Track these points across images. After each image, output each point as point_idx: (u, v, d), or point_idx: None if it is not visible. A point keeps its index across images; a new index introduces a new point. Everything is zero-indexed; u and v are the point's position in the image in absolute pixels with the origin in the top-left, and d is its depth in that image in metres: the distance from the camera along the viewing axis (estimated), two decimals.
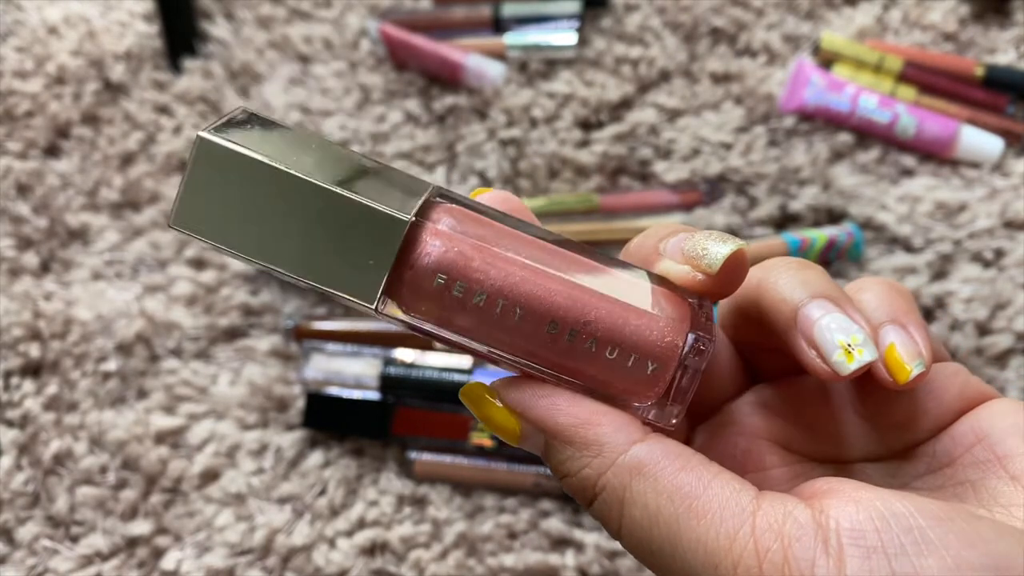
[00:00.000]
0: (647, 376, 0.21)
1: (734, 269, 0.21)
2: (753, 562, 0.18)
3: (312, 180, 0.20)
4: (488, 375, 0.49)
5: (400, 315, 0.21)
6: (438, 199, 0.22)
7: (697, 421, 0.26)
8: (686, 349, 0.21)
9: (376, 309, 0.21)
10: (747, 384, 0.26)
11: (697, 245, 0.21)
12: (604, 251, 0.23)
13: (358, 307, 0.21)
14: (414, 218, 0.20)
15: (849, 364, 0.21)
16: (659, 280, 0.22)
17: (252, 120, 0.21)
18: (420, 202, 0.21)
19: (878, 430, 0.23)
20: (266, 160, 0.20)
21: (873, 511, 0.18)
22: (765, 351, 0.25)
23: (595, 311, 0.21)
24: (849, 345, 0.21)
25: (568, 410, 0.21)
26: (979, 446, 0.22)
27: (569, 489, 0.21)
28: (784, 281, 0.22)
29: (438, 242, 0.20)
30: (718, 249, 0.21)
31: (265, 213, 0.20)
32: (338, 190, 0.20)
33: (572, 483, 0.21)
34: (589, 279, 0.21)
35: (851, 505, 0.18)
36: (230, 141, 0.20)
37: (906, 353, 0.21)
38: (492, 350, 0.21)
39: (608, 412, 0.21)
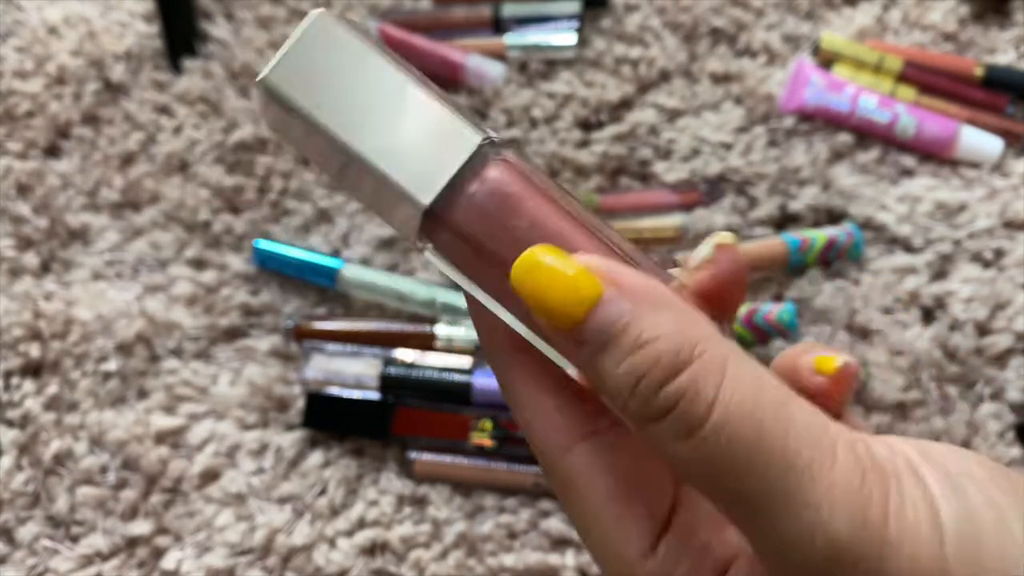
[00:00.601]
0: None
1: (723, 252, 0.21)
2: (847, 450, 0.18)
3: (414, 77, 0.22)
4: (487, 375, 0.49)
5: (448, 233, 0.21)
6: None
7: None
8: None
9: (431, 208, 0.21)
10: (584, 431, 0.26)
11: (693, 254, 0.22)
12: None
13: (410, 206, 0.21)
14: (488, 137, 0.21)
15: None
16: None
17: (352, 24, 0.23)
18: (489, 133, 0.22)
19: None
20: (370, 48, 0.21)
21: (911, 446, 0.19)
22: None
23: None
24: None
25: (665, 292, 0.19)
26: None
27: (647, 360, 0.18)
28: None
29: (500, 172, 0.21)
30: (704, 248, 0.22)
31: (353, 94, 0.21)
32: (433, 92, 0.22)
33: (658, 348, 0.18)
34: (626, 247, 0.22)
35: (893, 439, 0.19)
36: (343, 25, 0.21)
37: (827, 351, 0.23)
38: None
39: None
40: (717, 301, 0.22)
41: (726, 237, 0.22)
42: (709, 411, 0.17)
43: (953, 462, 0.19)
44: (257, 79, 0.21)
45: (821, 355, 0.22)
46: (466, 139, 0.21)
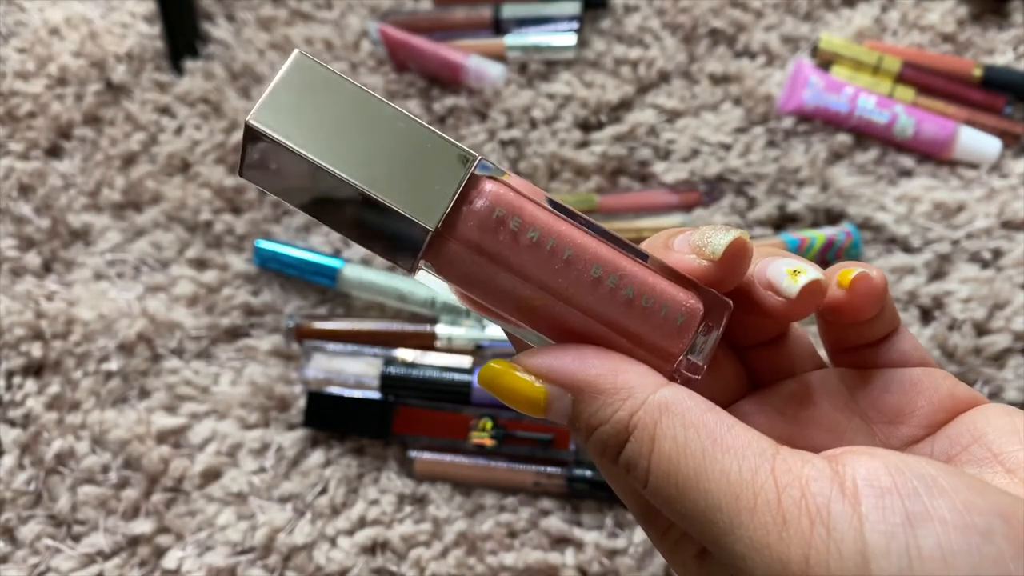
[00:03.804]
0: (676, 327, 0.23)
1: (735, 255, 0.22)
2: (772, 496, 0.19)
3: (393, 105, 0.22)
4: None
5: (453, 247, 0.22)
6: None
7: None
8: (704, 312, 0.23)
9: (436, 229, 0.21)
10: (746, 387, 0.27)
11: (703, 236, 0.23)
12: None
13: (414, 231, 0.21)
14: (480, 156, 0.22)
15: (795, 284, 0.22)
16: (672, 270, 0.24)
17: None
18: (479, 156, 0.22)
19: (874, 426, 0.24)
20: (354, 82, 0.22)
21: (887, 462, 0.19)
22: (760, 351, 0.26)
23: (629, 268, 0.22)
24: (795, 271, 0.22)
25: (596, 361, 0.22)
26: (976, 445, 0.23)
27: (600, 439, 0.22)
28: (753, 260, 0.24)
29: (495, 185, 0.22)
30: (720, 238, 0.22)
31: (341, 128, 0.21)
32: (415, 119, 0.22)
33: (605, 431, 0.21)
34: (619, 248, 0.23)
35: (865, 457, 0.19)
36: (321, 65, 0.22)
37: (852, 266, 0.23)
38: (534, 296, 0.22)
39: (633, 361, 0.22)
40: (712, 285, 0.23)
41: (743, 237, 0.22)
42: (646, 476, 0.21)
43: (924, 486, 0.18)
44: (246, 120, 0.21)
45: (844, 268, 0.23)
46: (460, 158, 0.22)
